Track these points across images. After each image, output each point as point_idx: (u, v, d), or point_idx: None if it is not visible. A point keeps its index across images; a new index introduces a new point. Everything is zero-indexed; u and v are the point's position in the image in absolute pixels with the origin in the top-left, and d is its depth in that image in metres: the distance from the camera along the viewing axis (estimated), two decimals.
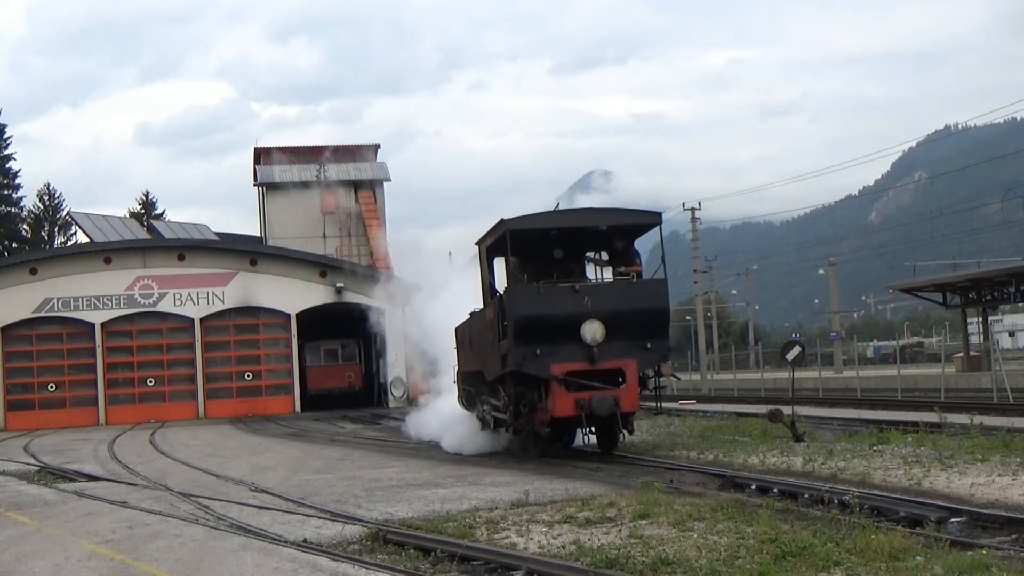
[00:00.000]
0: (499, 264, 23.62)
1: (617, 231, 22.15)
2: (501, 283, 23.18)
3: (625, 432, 21.22)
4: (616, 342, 20.67)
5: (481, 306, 23.87)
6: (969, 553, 9.85)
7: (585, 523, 13.12)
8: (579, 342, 20.53)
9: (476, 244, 23.40)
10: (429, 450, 27.02)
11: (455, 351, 27.45)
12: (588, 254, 23.88)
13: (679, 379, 43.40)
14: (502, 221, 21.25)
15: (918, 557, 9.94)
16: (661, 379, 22.54)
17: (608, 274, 23.43)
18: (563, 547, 11.62)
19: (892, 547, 10.22)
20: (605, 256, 23.63)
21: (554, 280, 22.00)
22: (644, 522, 12.89)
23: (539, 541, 12.11)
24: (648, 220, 22.43)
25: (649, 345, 21.06)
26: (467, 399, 26.18)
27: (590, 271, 24.08)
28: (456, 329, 27.06)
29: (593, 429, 21.68)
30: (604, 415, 20.40)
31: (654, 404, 23.86)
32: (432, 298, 33.80)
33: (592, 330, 20.56)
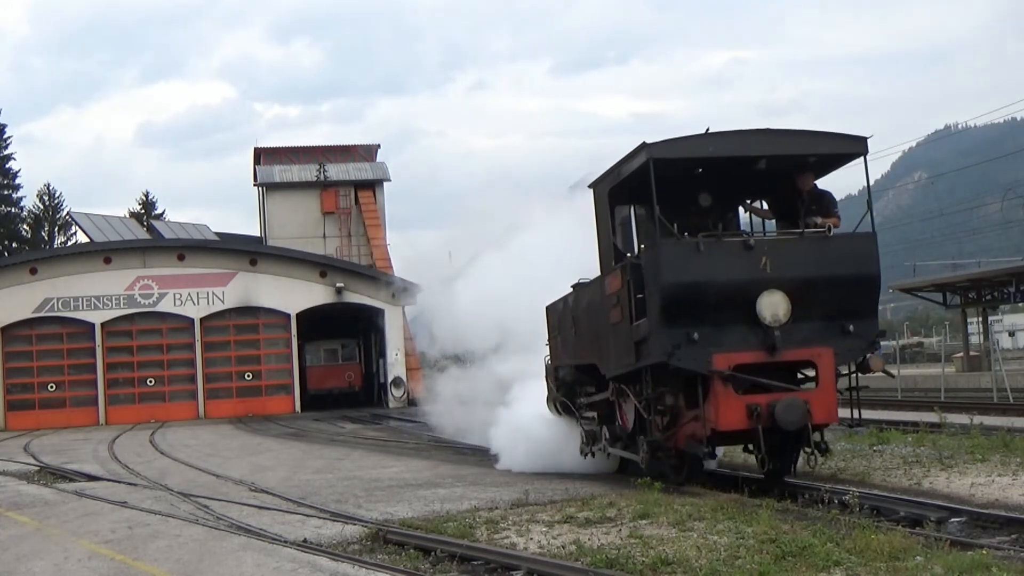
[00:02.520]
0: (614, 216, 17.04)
1: (806, 163, 15.75)
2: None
3: (814, 453, 15.17)
4: (805, 323, 14.72)
5: (587, 276, 17.91)
6: (969, 553, 9.85)
7: (585, 523, 13.11)
8: (753, 322, 14.60)
9: (591, 187, 17.10)
10: (429, 449, 27.00)
11: (548, 338, 20.75)
12: (753, 203, 17.30)
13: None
14: (644, 145, 14.85)
15: (918, 557, 9.94)
16: (863, 376, 15.82)
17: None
18: (563, 547, 11.61)
19: (892, 547, 10.21)
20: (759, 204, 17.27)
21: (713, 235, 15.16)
22: (644, 522, 12.88)
23: (539, 541, 12.11)
24: (849, 148, 15.52)
25: (851, 328, 14.90)
26: (562, 402, 19.94)
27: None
28: (549, 309, 20.43)
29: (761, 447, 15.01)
30: (792, 428, 14.46)
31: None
32: (469, 271, 28.12)
33: (773, 305, 14.60)
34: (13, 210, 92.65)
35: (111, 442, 35.36)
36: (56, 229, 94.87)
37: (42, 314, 52.77)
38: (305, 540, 13.03)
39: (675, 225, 15.05)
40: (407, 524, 13.79)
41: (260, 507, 16.35)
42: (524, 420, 21.17)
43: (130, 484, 21.04)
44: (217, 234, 69.14)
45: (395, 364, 55.11)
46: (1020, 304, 48.47)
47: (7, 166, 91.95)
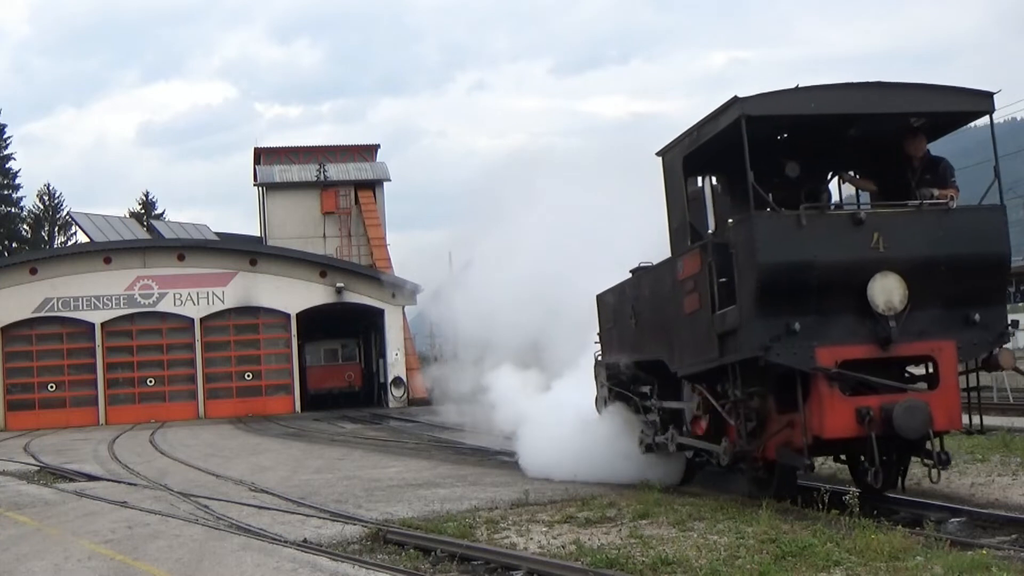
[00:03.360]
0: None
1: (918, 124, 13.49)
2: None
3: (936, 465, 12.96)
4: (923, 311, 12.59)
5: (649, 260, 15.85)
6: (969, 553, 9.85)
7: (585, 523, 13.12)
8: (862, 311, 12.49)
9: (659, 154, 14.74)
10: (429, 449, 26.99)
11: (599, 332, 18.45)
12: (847, 174, 14.81)
13: None
14: (735, 100, 12.65)
15: (918, 557, 9.94)
16: (991, 373, 14.17)
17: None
18: (563, 547, 11.62)
19: (892, 547, 10.21)
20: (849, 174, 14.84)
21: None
22: (644, 522, 12.89)
23: (539, 541, 12.11)
24: (973, 106, 13.38)
25: (977, 317, 12.77)
26: (617, 400, 17.71)
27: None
28: (600, 299, 18.17)
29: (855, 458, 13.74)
30: (913, 436, 12.43)
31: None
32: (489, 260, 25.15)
33: (887, 290, 12.46)
34: (13, 210, 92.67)
35: (111, 442, 35.36)
36: (56, 229, 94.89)
37: (42, 314, 52.75)
38: (305, 540, 13.03)
39: (737, 203, 13.39)
40: (407, 524, 13.79)
41: (260, 507, 16.35)
42: (565, 422, 18.80)
43: (130, 484, 21.04)
44: (217, 234, 69.13)
45: (395, 364, 55.12)
46: (1020, 304, 48.52)
47: (7, 166, 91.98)
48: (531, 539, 12.29)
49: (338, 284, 54.91)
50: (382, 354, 56.59)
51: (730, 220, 13.60)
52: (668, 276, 14.62)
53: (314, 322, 56.04)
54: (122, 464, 26.34)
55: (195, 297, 53.89)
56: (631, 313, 16.32)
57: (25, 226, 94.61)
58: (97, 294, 52.96)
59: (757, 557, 10.37)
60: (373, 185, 69.43)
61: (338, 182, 68.22)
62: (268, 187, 68.78)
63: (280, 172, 69.15)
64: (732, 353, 12.87)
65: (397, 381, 54.96)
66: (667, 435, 15.74)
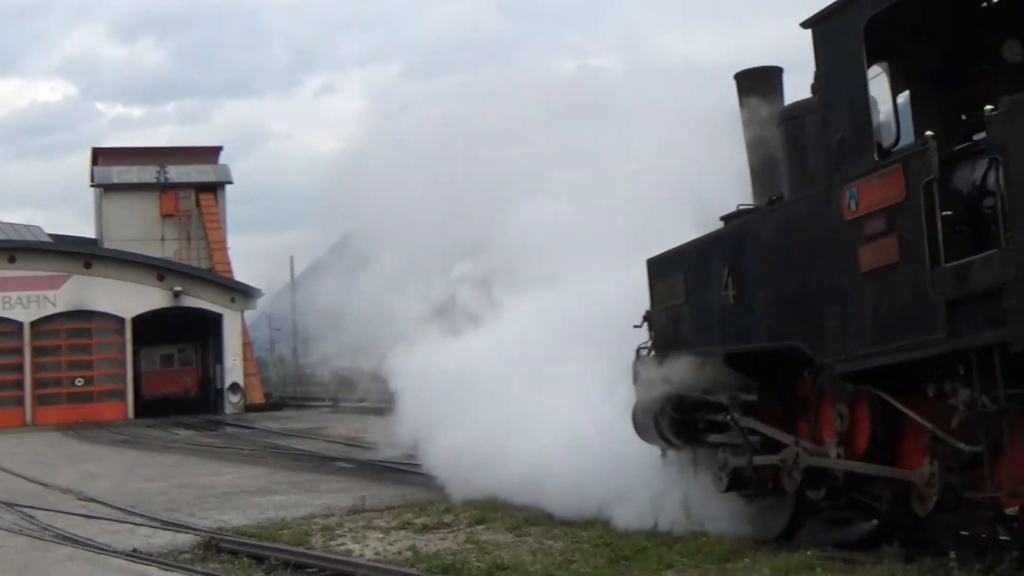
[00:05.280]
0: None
1: None
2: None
3: None
4: None
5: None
6: (795, 554, 10.10)
7: (422, 529, 13.11)
8: None
9: (811, 25, 9.68)
10: (266, 456, 26.60)
11: (650, 312, 13.04)
12: None
13: None
14: None
15: (747, 559, 10.18)
16: None
17: None
18: (399, 553, 11.59)
19: (723, 549, 10.45)
20: None
21: None
22: (481, 527, 12.95)
23: (375, 548, 12.07)
24: None
25: None
26: (671, 424, 12.01)
27: None
28: (656, 265, 12.82)
29: None
30: None
31: None
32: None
33: None
34: None
35: None
36: None
37: None
38: (135, 550, 12.71)
39: (953, 93, 9.59)
40: (241, 532, 13.59)
41: (88, 516, 15.91)
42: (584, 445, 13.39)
43: None
44: (51, 236, 67.03)
45: (233, 369, 54.32)
46: None
47: None
48: (367, 546, 12.25)
49: (176, 288, 53.85)
50: (220, 359, 55.72)
51: (989, 107, 7.84)
52: (819, 216, 9.64)
53: (151, 327, 54.78)
54: None
55: (25, 300, 52.16)
56: (725, 281, 11.19)
57: None
58: None
59: (592, 561, 10.50)
60: (215, 187, 68.19)
61: (179, 184, 66.82)
62: (105, 188, 66.96)
63: (118, 173, 67.39)
64: (985, 328, 7.83)
65: (234, 387, 54.18)
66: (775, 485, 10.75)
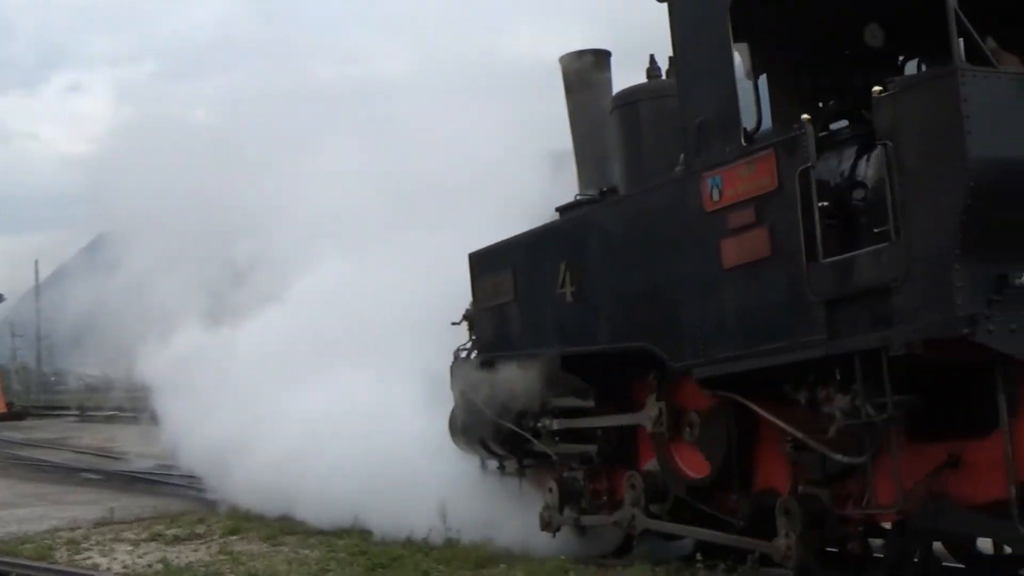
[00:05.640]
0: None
1: None
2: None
3: None
4: None
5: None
6: (549, 559, 10.30)
7: (174, 540, 12.86)
8: None
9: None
10: (8, 467, 25.38)
11: (472, 311, 11.96)
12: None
13: None
14: None
15: (502, 564, 10.32)
16: None
17: None
18: (149, 566, 11.32)
19: (479, 556, 10.56)
20: None
21: None
22: (235, 538, 12.78)
23: (123, 561, 11.77)
24: None
25: None
26: (495, 434, 11.36)
27: None
28: (479, 259, 11.60)
29: None
30: None
31: None
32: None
33: None
34: None
35: None
36: None
37: None
38: None
39: (812, 78, 9.13)
40: None
41: None
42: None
43: None
44: None
45: None
46: None
47: None
48: (115, 559, 11.92)
49: None
50: None
51: (877, 88, 7.18)
52: (674, 206, 8.80)
53: None
54: None
55: None
56: (562, 278, 10.16)
57: None
58: None
59: (348, 569, 10.49)
60: None
61: None
62: None
63: None
64: (869, 330, 7.17)
65: None
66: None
